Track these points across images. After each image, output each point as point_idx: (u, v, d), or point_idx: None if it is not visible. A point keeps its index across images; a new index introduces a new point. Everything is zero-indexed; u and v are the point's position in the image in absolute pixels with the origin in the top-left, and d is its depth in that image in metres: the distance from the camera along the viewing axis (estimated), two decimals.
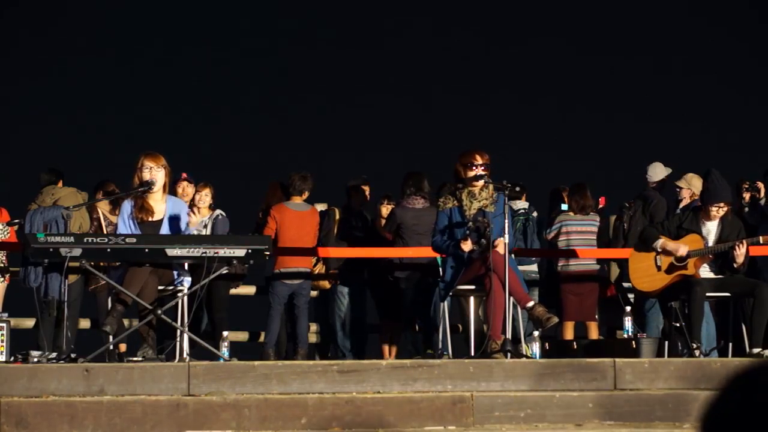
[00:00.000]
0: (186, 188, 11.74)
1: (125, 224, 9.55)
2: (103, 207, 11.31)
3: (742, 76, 20.69)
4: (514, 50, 21.35)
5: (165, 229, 9.53)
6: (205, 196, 11.81)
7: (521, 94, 21.09)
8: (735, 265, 10.09)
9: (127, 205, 9.61)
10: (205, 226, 11.68)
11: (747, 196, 12.29)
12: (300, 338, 12.12)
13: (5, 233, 10.95)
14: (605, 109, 20.69)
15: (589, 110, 20.70)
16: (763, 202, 12.29)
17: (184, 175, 11.81)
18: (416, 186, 12.17)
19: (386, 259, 12.26)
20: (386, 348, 12.68)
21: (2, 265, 11.41)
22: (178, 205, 9.70)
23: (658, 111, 20.80)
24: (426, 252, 11.89)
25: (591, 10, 21.24)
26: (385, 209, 12.70)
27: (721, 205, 10.16)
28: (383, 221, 12.67)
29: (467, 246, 9.62)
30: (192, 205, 11.05)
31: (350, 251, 12.37)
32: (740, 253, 10.02)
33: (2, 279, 11.18)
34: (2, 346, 9.34)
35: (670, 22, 21.24)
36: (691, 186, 12.20)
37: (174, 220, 9.58)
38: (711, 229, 10.23)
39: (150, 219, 9.55)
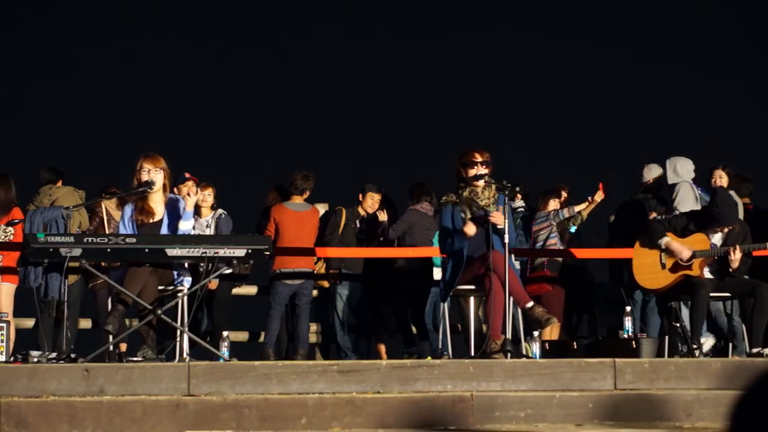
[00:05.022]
0: (191, 188, 11.72)
1: (125, 227, 9.56)
2: (109, 204, 11.31)
3: (744, 76, 20.69)
4: (514, 50, 21.35)
5: (164, 230, 9.54)
6: (207, 196, 11.81)
7: (521, 94, 21.09)
8: (730, 269, 10.09)
9: (128, 209, 9.62)
10: (208, 226, 11.68)
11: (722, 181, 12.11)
12: (300, 338, 12.12)
13: (9, 234, 10.90)
14: (606, 109, 20.69)
15: (589, 110, 20.69)
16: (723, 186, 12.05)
17: (187, 174, 11.79)
18: (429, 194, 12.28)
19: (388, 260, 12.27)
20: (382, 348, 12.70)
21: None
22: (177, 204, 9.70)
23: (659, 111, 20.80)
24: (425, 252, 11.90)
25: (592, 10, 21.24)
26: (370, 199, 12.65)
27: (727, 227, 10.16)
28: (362, 211, 12.62)
29: (470, 229, 9.54)
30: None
31: (350, 251, 12.37)
32: (734, 258, 10.02)
33: None
34: (2, 346, 9.32)
35: (670, 22, 21.24)
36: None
37: (173, 219, 9.58)
38: (717, 234, 10.22)
39: (150, 221, 9.56)
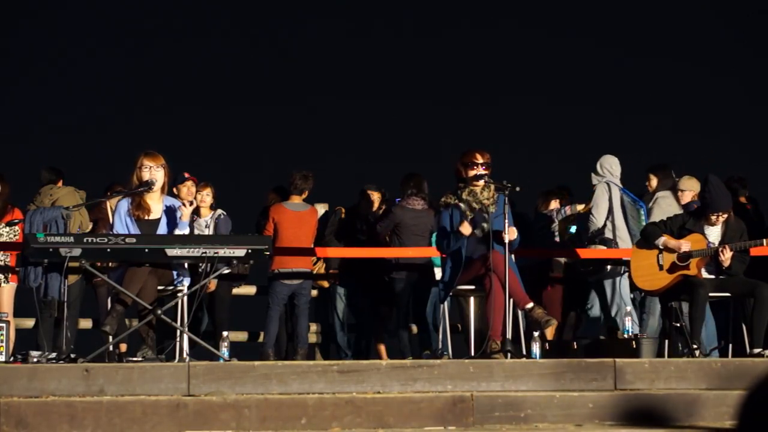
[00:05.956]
0: (191, 188, 11.73)
1: (122, 222, 9.55)
2: (113, 204, 11.29)
3: (743, 76, 20.68)
4: (514, 50, 21.34)
5: (162, 229, 9.54)
6: (206, 196, 11.80)
7: (521, 94, 21.08)
8: (724, 268, 10.09)
9: (124, 203, 9.62)
10: (207, 226, 11.68)
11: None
12: (300, 338, 12.10)
13: (14, 234, 10.91)
14: (606, 109, 20.69)
15: (589, 110, 20.68)
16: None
17: (187, 174, 11.79)
18: (417, 187, 12.11)
19: (382, 260, 12.22)
20: (382, 348, 12.66)
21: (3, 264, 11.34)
22: (175, 204, 9.70)
23: (659, 111, 20.79)
24: (424, 252, 11.87)
25: (592, 10, 21.23)
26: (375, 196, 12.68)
27: (721, 213, 10.16)
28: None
29: (466, 229, 9.58)
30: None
31: (350, 251, 12.36)
32: (725, 258, 10.02)
33: (5, 279, 11.07)
34: (2, 346, 9.32)
35: (670, 22, 21.23)
36: (693, 188, 12.09)
37: (171, 219, 9.58)
38: (714, 231, 10.22)
39: (147, 217, 9.56)
